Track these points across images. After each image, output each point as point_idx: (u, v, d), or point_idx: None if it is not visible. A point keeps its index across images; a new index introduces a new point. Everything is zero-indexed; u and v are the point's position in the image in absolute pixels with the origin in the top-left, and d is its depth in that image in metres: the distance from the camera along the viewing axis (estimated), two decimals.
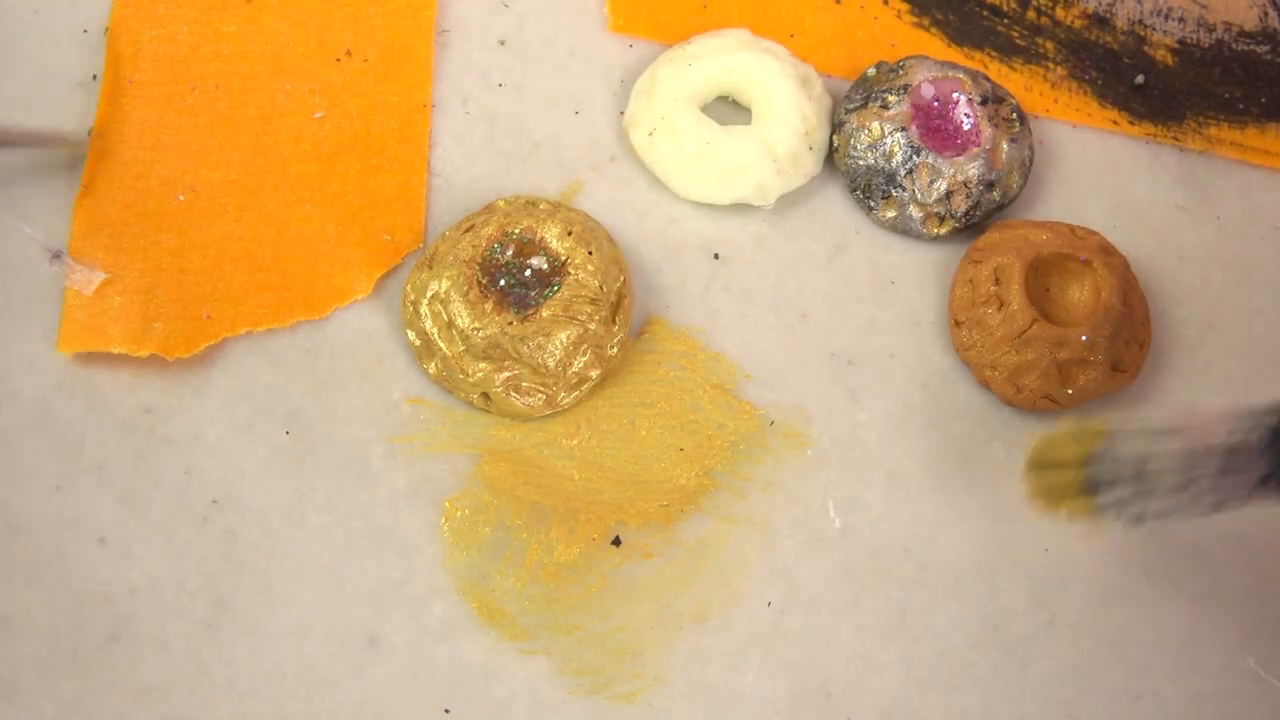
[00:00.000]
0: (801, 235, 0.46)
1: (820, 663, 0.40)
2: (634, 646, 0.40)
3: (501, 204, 0.43)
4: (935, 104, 0.46)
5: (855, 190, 0.46)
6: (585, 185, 0.45)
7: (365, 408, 0.41)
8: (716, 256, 0.45)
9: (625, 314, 0.42)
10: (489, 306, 0.40)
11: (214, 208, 0.42)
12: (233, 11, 0.45)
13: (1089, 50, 0.51)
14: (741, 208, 0.46)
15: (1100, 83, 0.50)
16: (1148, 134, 0.50)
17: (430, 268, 0.41)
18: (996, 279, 0.44)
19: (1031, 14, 0.51)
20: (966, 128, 0.46)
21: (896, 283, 0.46)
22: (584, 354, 0.41)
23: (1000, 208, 0.46)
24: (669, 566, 0.41)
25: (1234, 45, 0.52)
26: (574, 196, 0.45)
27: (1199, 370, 0.46)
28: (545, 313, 0.40)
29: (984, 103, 0.46)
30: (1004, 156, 0.46)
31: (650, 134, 0.45)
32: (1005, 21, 0.51)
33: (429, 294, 0.41)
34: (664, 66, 0.46)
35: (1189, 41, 0.52)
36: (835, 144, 0.47)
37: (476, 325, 0.40)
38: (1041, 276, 0.45)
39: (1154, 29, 0.52)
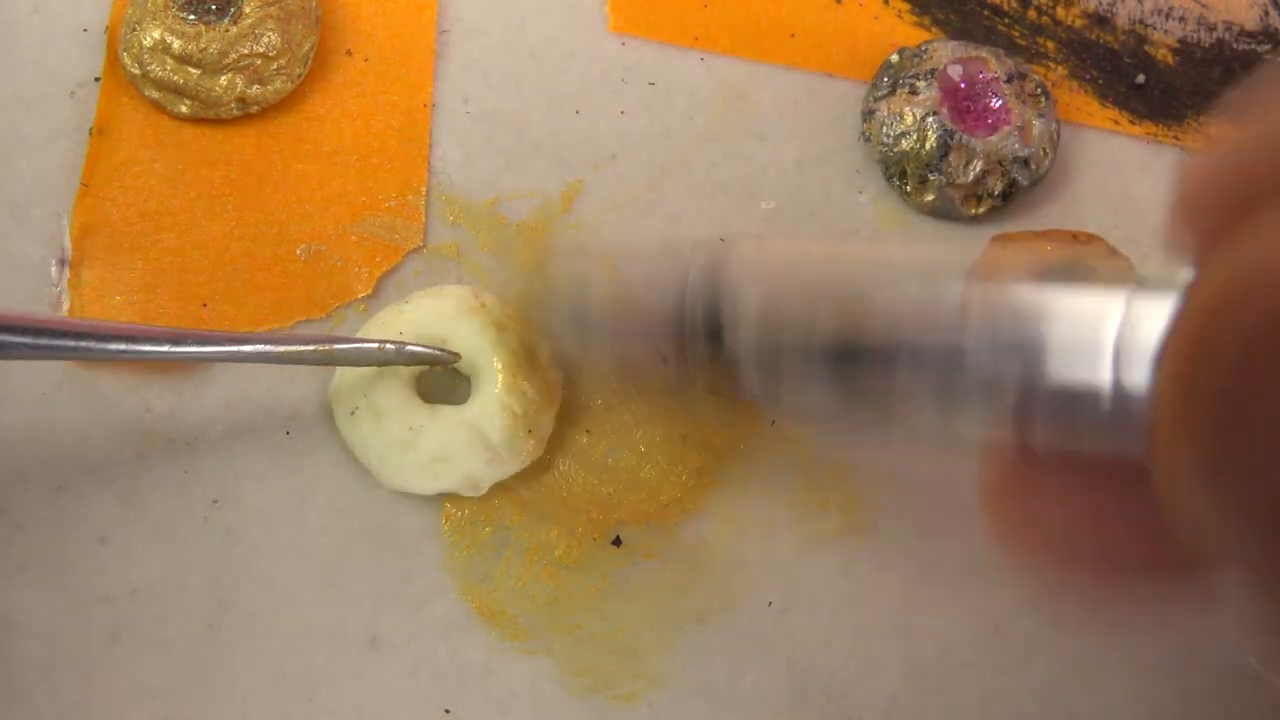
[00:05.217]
0: (815, 224, 0.46)
1: (820, 663, 0.40)
2: (634, 646, 0.40)
3: None
4: (963, 85, 0.46)
5: (891, 177, 0.46)
6: (586, 184, 0.45)
7: None
8: None
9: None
10: (200, 29, 0.43)
11: (215, 207, 0.42)
12: None
13: (1090, 50, 0.51)
14: (752, 196, 0.45)
15: (1101, 82, 0.50)
16: (1149, 133, 0.50)
17: (134, 30, 0.43)
18: None
19: (1032, 13, 0.51)
20: (996, 106, 0.46)
21: None
22: (303, 27, 0.44)
23: (1034, 184, 0.46)
24: (669, 566, 0.41)
25: (1235, 45, 0.52)
26: (575, 196, 0.45)
27: None
28: (248, 10, 0.43)
29: (1009, 80, 0.47)
30: (1035, 132, 0.46)
31: (352, 413, 0.39)
32: (1006, 21, 0.51)
33: (146, 47, 0.42)
34: (375, 329, 0.40)
35: (1190, 41, 0.52)
36: (867, 133, 0.47)
37: (198, 46, 0.42)
38: None
39: (1155, 28, 0.52)
